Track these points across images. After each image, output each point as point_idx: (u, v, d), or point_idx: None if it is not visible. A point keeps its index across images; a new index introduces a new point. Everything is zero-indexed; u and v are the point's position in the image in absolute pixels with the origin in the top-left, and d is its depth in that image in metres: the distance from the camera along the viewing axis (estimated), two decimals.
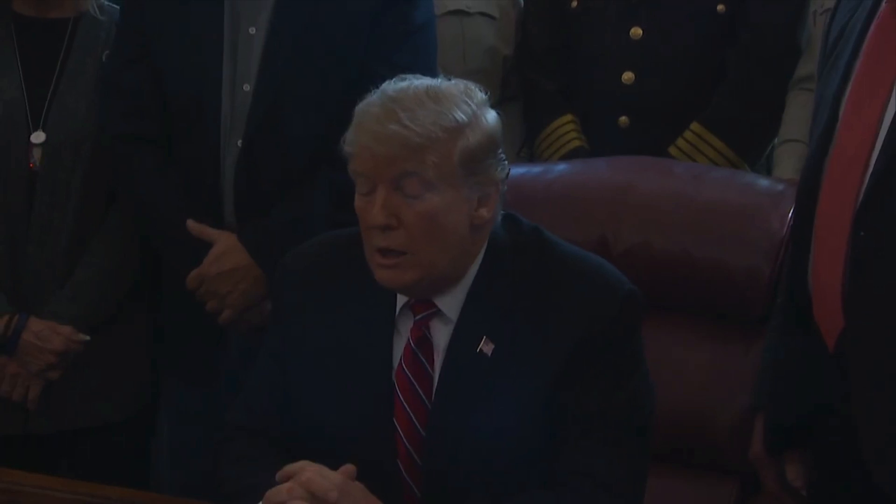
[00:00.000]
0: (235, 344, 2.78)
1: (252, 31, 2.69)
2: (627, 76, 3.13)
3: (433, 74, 2.66)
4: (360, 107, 2.08)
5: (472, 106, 2.07)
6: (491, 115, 2.10)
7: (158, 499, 2.38)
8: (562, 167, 2.77)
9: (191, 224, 2.71)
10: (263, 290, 2.68)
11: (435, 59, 2.79)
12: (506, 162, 2.12)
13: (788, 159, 3.05)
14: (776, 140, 3.15)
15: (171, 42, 2.72)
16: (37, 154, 2.76)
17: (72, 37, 2.81)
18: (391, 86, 2.09)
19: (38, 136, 2.76)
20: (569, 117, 3.20)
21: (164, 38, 2.72)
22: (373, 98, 2.08)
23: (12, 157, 2.75)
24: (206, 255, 2.70)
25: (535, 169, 2.72)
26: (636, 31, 3.13)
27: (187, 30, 2.70)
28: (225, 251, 2.70)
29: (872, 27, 2.07)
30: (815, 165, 2.11)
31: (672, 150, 3.11)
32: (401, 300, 2.14)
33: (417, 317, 2.13)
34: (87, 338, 2.79)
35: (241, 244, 2.70)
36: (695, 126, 3.10)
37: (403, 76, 2.12)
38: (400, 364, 2.12)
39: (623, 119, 3.15)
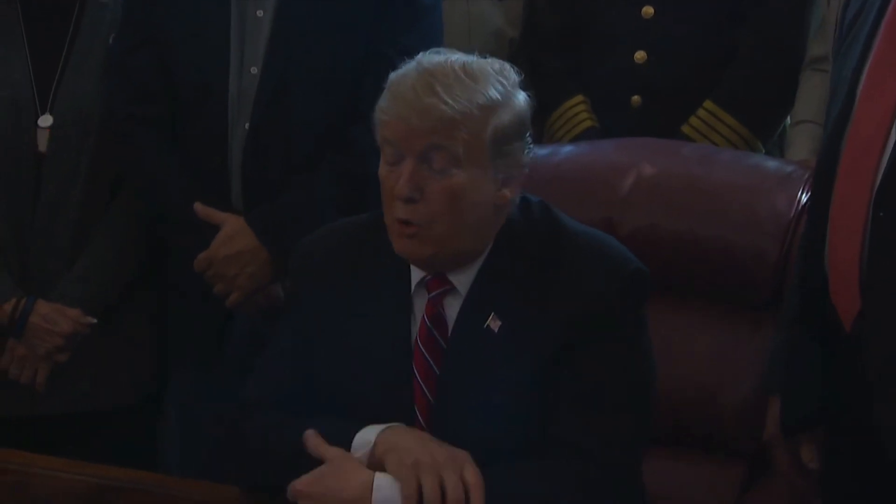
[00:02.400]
0: (242, 328, 2.80)
1: (260, 13, 2.69)
2: (640, 55, 3.13)
3: None
4: (395, 76, 2.08)
5: (507, 86, 2.08)
6: (522, 97, 2.10)
7: (166, 480, 2.37)
8: (569, 149, 2.76)
9: (198, 207, 2.72)
10: (271, 272, 2.69)
11: (441, 42, 2.78)
12: (532, 145, 2.13)
13: (802, 140, 3.03)
14: (789, 121, 3.13)
15: (178, 25, 2.72)
16: (44, 137, 2.77)
17: (79, 19, 2.81)
18: (426, 58, 2.09)
19: (45, 120, 2.77)
20: (580, 98, 3.19)
21: (170, 20, 2.73)
22: (408, 69, 2.07)
23: (19, 139, 2.76)
24: (212, 238, 2.71)
25: (543, 151, 2.70)
26: (648, 10, 3.12)
27: (194, 12, 2.70)
28: (233, 234, 2.71)
29: (891, 6, 2.06)
30: (832, 146, 2.10)
31: (685, 128, 3.10)
32: (414, 277, 2.15)
33: (431, 294, 2.14)
34: (95, 320, 2.80)
35: (248, 227, 2.71)
36: (708, 104, 3.09)
37: (438, 49, 2.12)
38: (416, 341, 2.13)
39: (635, 98, 3.14)
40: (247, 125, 2.70)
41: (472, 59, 2.10)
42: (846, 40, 2.15)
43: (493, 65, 2.11)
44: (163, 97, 2.76)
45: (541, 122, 3.26)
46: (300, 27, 2.67)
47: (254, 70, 2.69)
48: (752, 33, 3.09)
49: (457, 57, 2.09)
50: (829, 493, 2.23)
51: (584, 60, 3.22)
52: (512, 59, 3.21)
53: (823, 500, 2.25)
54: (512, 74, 2.11)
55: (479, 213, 2.07)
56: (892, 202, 1.97)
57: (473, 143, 2.03)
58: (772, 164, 2.67)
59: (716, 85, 3.10)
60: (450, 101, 2.01)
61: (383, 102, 2.07)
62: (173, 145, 2.77)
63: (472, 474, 2.01)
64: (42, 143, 2.77)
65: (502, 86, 2.07)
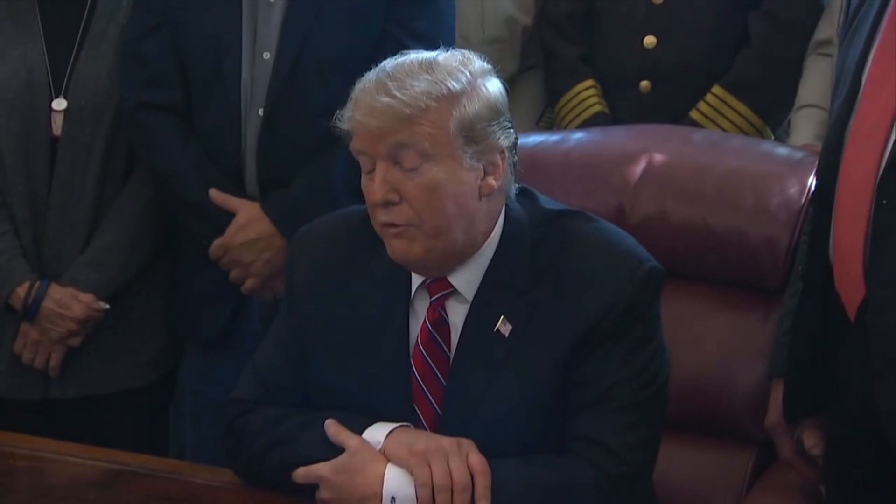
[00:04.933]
0: (257, 310, 2.80)
1: None
2: (649, 40, 3.13)
3: (451, 41, 2.68)
4: (358, 83, 2.08)
5: (468, 74, 2.06)
6: (492, 84, 2.08)
7: (177, 465, 2.39)
8: (579, 135, 2.75)
9: (214, 193, 2.73)
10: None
11: (453, 27, 2.79)
12: (512, 130, 2.10)
13: (805, 124, 3.04)
14: (794, 105, 3.13)
15: (191, 11, 2.72)
16: (58, 120, 2.78)
17: (93, 3, 2.82)
18: (390, 61, 2.08)
19: (59, 104, 2.78)
20: (590, 82, 3.20)
21: (183, 6, 2.73)
22: (370, 74, 2.07)
23: (34, 122, 2.77)
24: (226, 225, 2.72)
25: (553, 137, 2.70)
26: None
27: None
28: (248, 220, 2.72)
29: None
30: (837, 134, 2.10)
31: (694, 114, 3.10)
32: (416, 281, 2.13)
33: (433, 297, 2.12)
34: (107, 306, 2.81)
35: (264, 213, 2.71)
36: (717, 89, 3.10)
37: (406, 51, 2.11)
38: (416, 345, 2.12)
39: (644, 83, 3.14)
40: (261, 111, 2.70)
41: (436, 54, 2.08)
42: (851, 27, 2.15)
43: (455, 56, 2.09)
44: (176, 83, 2.76)
45: (553, 110, 3.27)
46: (312, 12, 2.66)
47: (266, 55, 2.69)
48: (762, 18, 3.09)
49: (418, 55, 2.08)
50: (830, 480, 2.24)
51: (594, 45, 3.22)
52: (525, 48, 3.26)
53: (825, 486, 2.26)
54: (477, 62, 2.09)
55: (463, 205, 2.05)
56: (894, 190, 1.98)
57: (438, 135, 2.02)
58: (782, 150, 2.66)
59: (725, 70, 3.10)
60: (402, 98, 2.00)
61: (346, 112, 2.06)
62: (187, 131, 2.77)
63: (477, 460, 2.02)
64: (57, 127, 2.78)
65: (464, 74, 2.05)
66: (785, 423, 2.30)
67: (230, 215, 2.72)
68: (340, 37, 2.67)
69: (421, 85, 2.02)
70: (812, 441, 2.26)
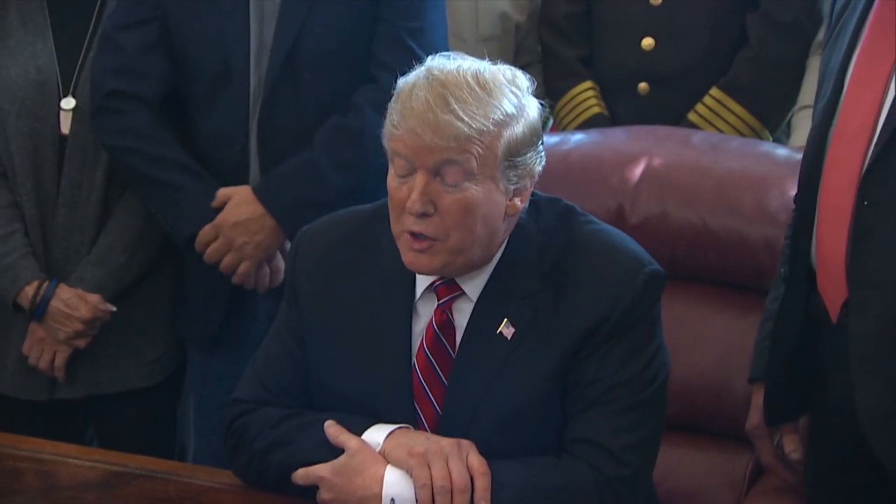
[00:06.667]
0: (263, 310, 2.81)
1: None
2: (647, 42, 3.13)
3: (444, 31, 2.71)
4: (405, 86, 2.04)
5: (520, 96, 2.05)
6: (534, 105, 2.07)
7: (177, 466, 2.38)
8: (579, 137, 2.76)
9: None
10: (279, 240, 2.71)
11: (444, 18, 2.80)
12: (543, 154, 2.10)
13: (805, 126, 3.02)
14: (795, 106, 3.14)
15: (192, 11, 2.73)
16: (67, 119, 2.79)
17: (102, 4, 2.83)
18: (436, 65, 2.05)
19: (68, 102, 2.79)
20: (589, 84, 3.20)
21: (184, 6, 2.73)
22: (418, 77, 2.04)
23: (43, 121, 2.78)
24: (204, 214, 2.73)
25: (552, 139, 2.71)
26: None
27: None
28: (240, 202, 2.73)
29: None
30: (820, 136, 2.11)
31: (691, 115, 3.11)
32: (422, 283, 2.13)
33: (441, 300, 2.12)
34: (114, 308, 2.82)
35: (254, 195, 2.73)
36: (714, 91, 3.10)
37: (447, 53, 2.08)
38: (421, 345, 2.12)
39: (643, 85, 3.15)
40: (258, 107, 2.72)
41: (484, 67, 2.05)
42: (834, 31, 2.15)
43: (504, 73, 2.07)
44: (152, 78, 2.76)
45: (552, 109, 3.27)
46: (307, 5, 2.67)
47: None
48: (760, 20, 3.10)
49: (468, 65, 2.05)
50: (812, 483, 2.24)
51: (593, 47, 3.23)
52: (519, 45, 3.27)
53: (807, 489, 2.27)
54: (524, 81, 2.08)
55: (491, 224, 2.05)
56: (877, 192, 1.99)
57: (487, 156, 2.01)
58: (781, 152, 2.67)
59: (723, 72, 3.11)
60: (466, 119, 1.98)
61: (394, 116, 2.03)
62: (159, 121, 2.76)
63: (476, 461, 2.02)
64: (65, 126, 2.79)
65: (516, 97, 2.04)
66: (765, 427, 2.30)
67: (207, 204, 2.73)
68: (334, 29, 2.68)
69: (482, 106, 2.00)
70: (792, 445, 2.27)
